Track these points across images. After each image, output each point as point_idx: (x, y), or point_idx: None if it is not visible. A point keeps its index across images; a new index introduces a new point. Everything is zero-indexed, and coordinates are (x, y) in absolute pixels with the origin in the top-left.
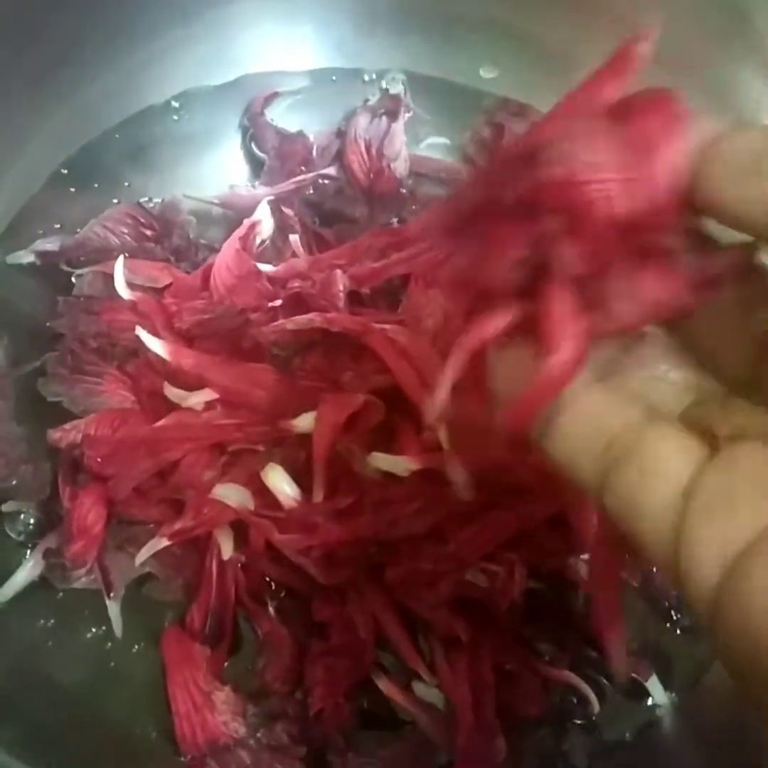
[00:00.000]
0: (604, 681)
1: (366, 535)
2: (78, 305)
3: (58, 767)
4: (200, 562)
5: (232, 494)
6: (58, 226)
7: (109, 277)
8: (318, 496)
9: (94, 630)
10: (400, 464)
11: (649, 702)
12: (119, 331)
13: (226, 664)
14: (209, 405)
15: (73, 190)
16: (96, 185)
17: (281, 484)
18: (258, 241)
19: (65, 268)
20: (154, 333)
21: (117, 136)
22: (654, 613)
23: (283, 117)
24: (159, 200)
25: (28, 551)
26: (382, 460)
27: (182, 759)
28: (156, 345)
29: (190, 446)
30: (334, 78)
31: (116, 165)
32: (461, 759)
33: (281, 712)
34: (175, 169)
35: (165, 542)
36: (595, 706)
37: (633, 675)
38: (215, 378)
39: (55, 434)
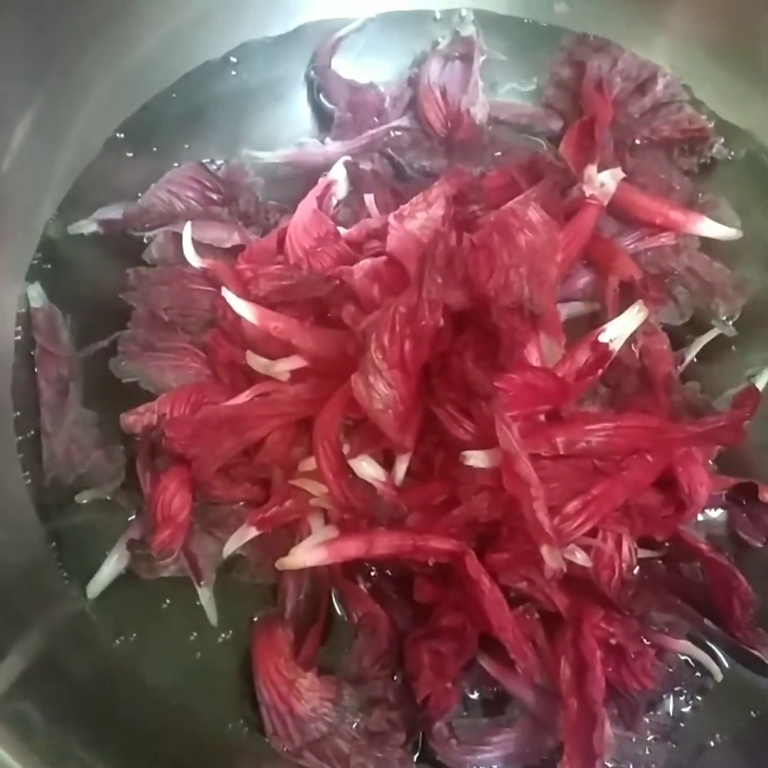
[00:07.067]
0: (722, 655)
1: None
2: (149, 276)
3: None
4: (292, 543)
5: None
6: (117, 193)
7: (180, 239)
8: (400, 475)
9: (178, 620)
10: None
11: None
12: (192, 301)
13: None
14: (295, 378)
15: (130, 154)
16: (154, 149)
17: (368, 469)
18: (334, 201)
19: (134, 233)
20: None
21: (174, 95)
22: None
23: (348, 67)
24: (222, 162)
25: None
26: (475, 458)
27: (278, 751)
28: (243, 308)
29: (276, 423)
30: (399, 21)
31: (174, 126)
32: (569, 745)
33: (381, 698)
34: (236, 127)
35: (253, 532)
36: (717, 676)
37: (755, 650)
38: (305, 344)
39: (128, 418)
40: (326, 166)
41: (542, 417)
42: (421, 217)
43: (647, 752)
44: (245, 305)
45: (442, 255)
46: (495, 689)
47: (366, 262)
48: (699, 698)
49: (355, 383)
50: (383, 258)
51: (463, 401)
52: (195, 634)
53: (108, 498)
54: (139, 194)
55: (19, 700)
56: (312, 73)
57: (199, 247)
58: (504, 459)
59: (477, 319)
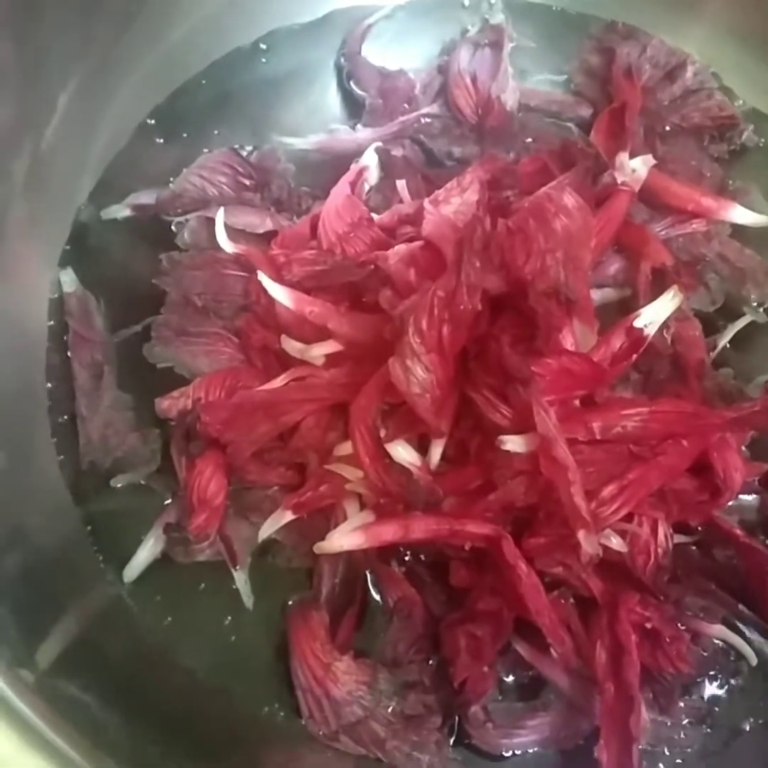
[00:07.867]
0: (757, 639)
1: (498, 508)
2: (182, 261)
3: (189, 759)
4: (327, 527)
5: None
6: (149, 178)
7: (213, 224)
8: (436, 459)
9: (213, 603)
10: (528, 442)
11: None
12: (225, 286)
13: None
14: (330, 362)
15: (161, 141)
16: (185, 135)
17: (404, 453)
18: (366, 187)
19: (165, 218)
20: None
21: (203, 82)
22: None
23: (378, 54)
24: (251, 148)
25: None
26: (512, 442)
27: (314, 735)
28: (278, 291)
29: (311, 407)
30: (428, 8)
31: (204, 113)
32: (605, 729)
33: (417, 681)
34: (266, 114)
35: (289, 516)
36: (752, 660)
37: None
38: (340, 328)
39: (163, 403)
40: (357, 153)
41: (577, 402)
42: (455, 202)
43: (682, 736)
44: (281, 289)
45: (480, 239)
46: (530, 673)
47: (401, 247)
48: (733, 682)
49: (393, 367)
50: (419, 243)
51: (500, 386)
52: (230, 617)
53: (143, 482)
54: (171, 180)
55: (59, 678)
56: (342, 59)
57: (232, 232)
58: (541, 443)
59: (513, 304)
